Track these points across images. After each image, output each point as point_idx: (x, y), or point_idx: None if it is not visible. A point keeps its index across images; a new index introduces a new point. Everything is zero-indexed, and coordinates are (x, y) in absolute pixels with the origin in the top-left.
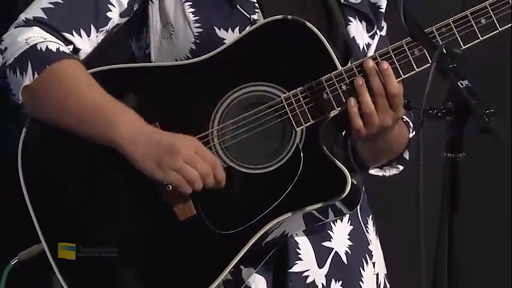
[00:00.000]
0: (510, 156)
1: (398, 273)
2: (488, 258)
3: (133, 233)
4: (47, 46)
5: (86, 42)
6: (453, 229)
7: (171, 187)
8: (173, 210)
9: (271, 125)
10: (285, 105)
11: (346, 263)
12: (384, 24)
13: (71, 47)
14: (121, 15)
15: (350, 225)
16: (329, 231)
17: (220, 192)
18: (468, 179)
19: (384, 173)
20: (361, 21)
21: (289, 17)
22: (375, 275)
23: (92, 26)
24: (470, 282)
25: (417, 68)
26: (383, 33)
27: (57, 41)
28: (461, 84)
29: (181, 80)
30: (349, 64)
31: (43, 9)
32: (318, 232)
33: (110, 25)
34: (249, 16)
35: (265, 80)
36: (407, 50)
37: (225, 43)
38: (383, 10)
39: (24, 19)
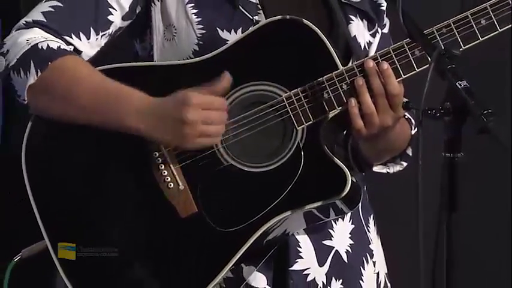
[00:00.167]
0: (509, 156)
1: (399, 272)
2: (486, 257)
3: (135, 230)
4: (48, 44)
5: (86, 45)
6: (451, 228)
7: (172, 184)
8: (174, 207)
9: (273, 124)
10: (286, 105)
11: (346, 261)
12: (386, 20)
13: (71, 48)
14: (123, 18)
15: (351, 224)
16: (330, 230)
17: (221, 190)
18: (466, 178)
19: (388, 170)
20: (362, 20)
21: (291, 17)
22: (375, 274)
23: (91, 29)
24: (469, 281)
25: (417, 68)
26: (385, 30)
27: (58, 40)
28: (460, 85)
29: (183, 78)
30: (350, 64)
31: (43, 12)
32: (318, 231)
33: (112, 28)
34: (251, 17)
35: (266, 79)
36: (408, 50)
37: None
38: (384, 8)
39: (24, 22)
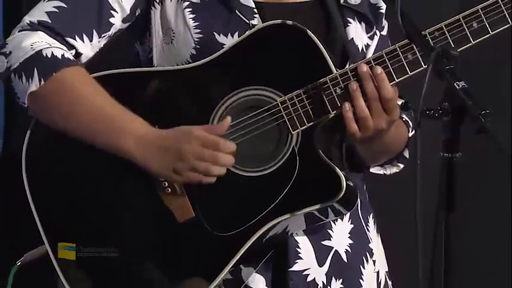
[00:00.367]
0: (507, 156)
1: (400, 270)
2: (485, 257)
3: (133, 236)
4: (52, 52)
5: (88, 47)
6: (450, 228)
7: (170, 190)
8: (172, 212)
9: (268, 128)
10: (281, 109)
11: (346, 261)
12: (384, 23)
13: (73, 52)
14: (123, 20)
15: (350, 223)
16: (329, 230)
17: (217, 194)
18: (464, 178)
19: (385, 171)
20: (360, 23)
21: (286, 21)
22: (375, 273)
23: (94, 31)
24: (467, 281)
25: (410, 72)
26: (384, 32)
27: (62, 46)
28: (458, 85)
29: (179, 84)
30: (346, 67)
31: (47, 13)
32: (317, 231)
33: (112, 30)
34: (247, 21)
35: (262, 84)
36: (401, 54)
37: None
38: (383, 11)
39: (28, 22)
